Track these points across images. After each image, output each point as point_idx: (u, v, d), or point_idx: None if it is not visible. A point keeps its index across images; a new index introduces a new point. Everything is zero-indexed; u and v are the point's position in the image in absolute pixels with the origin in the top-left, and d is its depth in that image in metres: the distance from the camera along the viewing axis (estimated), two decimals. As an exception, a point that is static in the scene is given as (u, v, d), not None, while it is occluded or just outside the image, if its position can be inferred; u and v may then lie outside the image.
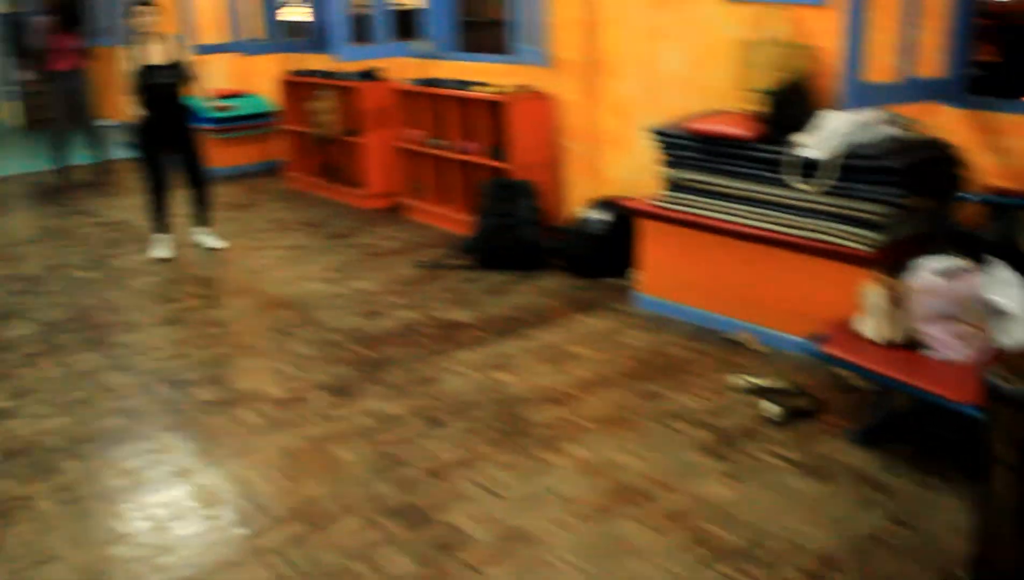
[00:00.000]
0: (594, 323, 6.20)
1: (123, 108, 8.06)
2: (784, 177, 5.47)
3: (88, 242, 8.93)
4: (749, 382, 5.13)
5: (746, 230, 5.68)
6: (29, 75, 17.19)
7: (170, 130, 8.02)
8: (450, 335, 6.15)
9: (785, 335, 5.61)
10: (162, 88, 7.87)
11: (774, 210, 5.58)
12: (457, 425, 4.91)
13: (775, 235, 5.53)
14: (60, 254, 8.59)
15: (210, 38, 11.21)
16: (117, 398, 5.52)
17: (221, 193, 9.86)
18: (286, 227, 9.13)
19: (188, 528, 4.16)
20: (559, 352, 5.77)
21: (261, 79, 11.72)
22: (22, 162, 13.67)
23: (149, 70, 7.83)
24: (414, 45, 9.14)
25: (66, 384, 5.77)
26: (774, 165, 5.54)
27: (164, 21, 8.05)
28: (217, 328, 6.61)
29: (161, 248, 8.22)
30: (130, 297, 7.28)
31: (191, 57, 8.13)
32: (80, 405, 5.47)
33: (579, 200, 7.64)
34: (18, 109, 17.43)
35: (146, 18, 7.82)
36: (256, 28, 11.03)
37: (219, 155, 11.08)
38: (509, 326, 6.23)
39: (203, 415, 5.24)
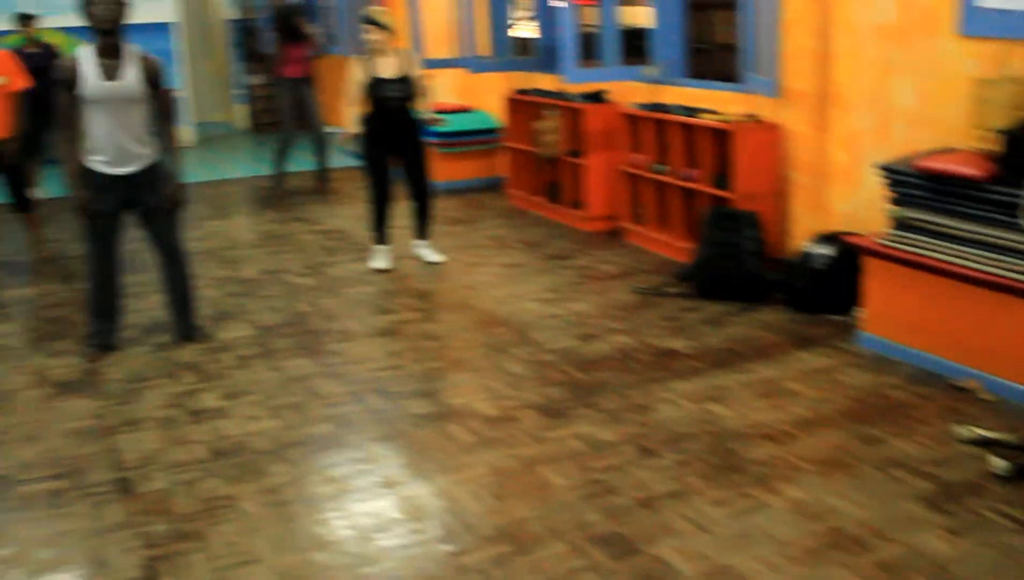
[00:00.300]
0: (814, 360, 6.10)
1: (350, 118, 8.30)
2: (1019, 221, 5.29)
3: (306, 249, 9.27)
4: (975, 433, 4.97)
5: (977, 275, 5.50)
6: (257, 79, 17.95)
7: (398, 142, 8.25)
8: (665, 363, 6.13)
9: (1015, 385, 5.42)
10: (391, 101, 8.10)
11: (1007, 255, 5.40)
12: (669, 456, 4.89)
13: (1007, 281, 5.35)
14: (278, 259, 8.93)
15: (438, 53, 11.49)
16: (328, 405, 5.70)
17: (442, 207, 10.09)
18: (505, 245, 9.26)
19: (392, 540, 4.25)
20: (776, 388, 5.70)
21: (487, 95, 11.93)
22: (247, 165, 14.24)
23: (379, 83, 8.06)
24: (643, 70, 9.17)
25: (278, 388, 5.99)
26: (1008, 208, 5.36)
27: (395, 36, 8.27)
28: (431, 342, 6.76)
29: (379, 259, 8.44)
30: (345, 306, 7.52)
31: (421, 72, 8.33)
32: (291, 410, 5.66)
33: (803, 233, 7.54)
34: (245, 112, 18.14)
35: (377, 35, 8.06)
36: (484, 44, 11.24)
37: (442, 169, 11.35)
38: (726, 358, 6.18)
39: (413, 428, 5.35)
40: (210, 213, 11.18)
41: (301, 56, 11.89)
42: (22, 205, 9.33)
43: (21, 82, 8.84)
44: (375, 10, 8.21)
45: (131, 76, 6.29)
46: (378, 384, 5.96)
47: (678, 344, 6.44)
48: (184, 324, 6.85)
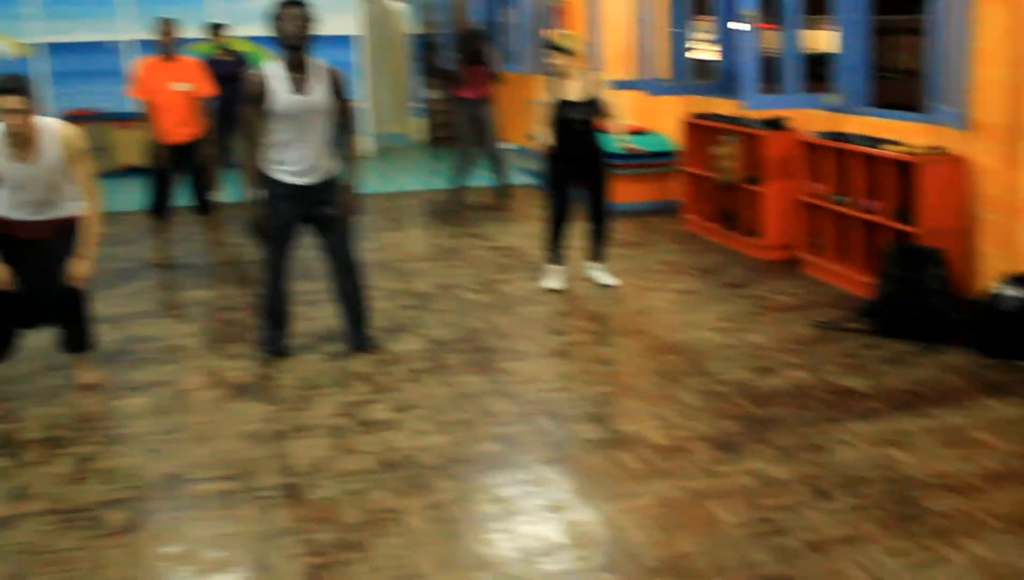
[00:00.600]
0: (1005, 409, 5.83)
1: (532, 137, 8.30)
2: None
3: (479, 265, 9.30)
4: None
5: None
6: (435, 94, 18.14)
7: (580, 164, 8.22)
8: (843, 402, 5.94)
9: None
10: (576, 123, 8.07)
11: None
12: (845, 499, 4.73)
13: None
14: (451, 274, 8.97)
15: (617, 74, 11.44)
16: (497, 424, 5.68)
17: (617, 229, 9.95)
18: (679, 270, 9.13)
19: (556, 565, 4.20)
20: (963, 436, 5.45)
21: (665, 118, 11.84)
22: (422, 178, 14.38)
23: (565, 105, 8.04)
24: (824, 98, 8.97)
25: (449, 403, 6.00)
26: None
27: (579, 59, 8.22)
28: (603, 366, 6.69)
29: (554, 279, 8.41)
30: (518, 324, 7.50)
31: (608, 94, 8.27)
32: (461, 426, 5.66)
33: (991, 273, 7.26)
34: (423, 126, 18.35)
35: (560, 59, 8.04)
36: (663, 66, 11.16)
37: (617, 190, 11.25)
38: (908, 400, 5.96)
39: (582, 452, 5.29)
40: (385, 225, 11.31)
41: (481, 78, 11.96)
42: (203, 208, 9.57)
43: (206, 89, 9.09)
44: (558, 34, 8.18)
45: (319, 90, 6.38)
46: (548, 406, 5.92)
47: (857, 383, 6.24)
48: (357, 334, 6.91)
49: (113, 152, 15.92)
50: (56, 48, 16.04)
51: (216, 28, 12.59)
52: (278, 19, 6.30)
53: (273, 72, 6.36)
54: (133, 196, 14.02)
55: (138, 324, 7.85)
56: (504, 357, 6.80)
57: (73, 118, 15.46)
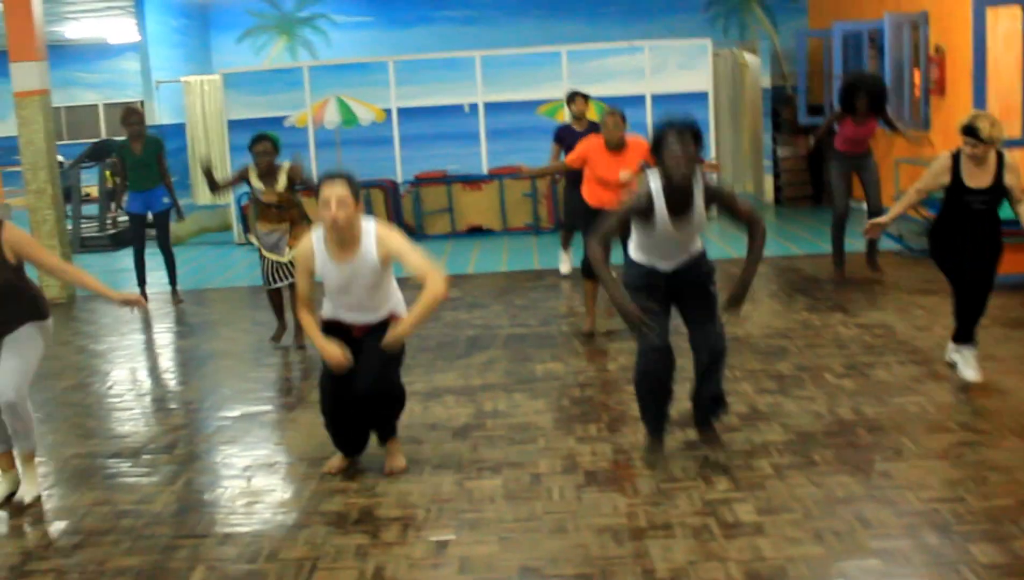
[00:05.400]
0: None
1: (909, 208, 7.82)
2: None
3: (845, 344, 8.81)
4: None
5: None
6: (787, 151, 17.73)
7: (972, 239, 7.54)
8: None
9: None
10: (976, 207, 7.43)
11: None
12: None
13: None
14: (814, 354, 8.54)
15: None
16: (876, 536, 5.28)
17: (996, 305, 9.01)
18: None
19: None
20: None
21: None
22: (775, 242, 14.03)
23: (964, 190, 7.41)
24: None
25: (819, 507, 5.64)
26: None
27: (996, 145, 7.33)
28: (996, 474, 6.02)
29: (967, 367, 7.73)
30: (893, 417, 7.00)
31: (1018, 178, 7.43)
32: (833, 536, 5.30)
33: None
34: (771, 184, 17.98)
35: (976, 148, 7.24)
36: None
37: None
38: None
39: (977, 578, 4.82)
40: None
41: (860, 134, 11.26)
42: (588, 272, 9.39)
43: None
44: (978, 117, 7.34)
45: (698, 208, 6.12)
46: (935, 518, 5.44)
47: None
48: (711, 430, 6.58)
49: (461, 213, 16.39)
50: (405, 112, 16.69)
51: (574, 95, 12.31)
52: (662, 150, 5.97)
53: (657, 190, 6.07)
54: (483, 257, 14.40)
55: (487, 397, 7.89)
56: (880, 455, 6.35)
57: (421, 181, 16.21)
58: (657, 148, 6.00)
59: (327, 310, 6.40)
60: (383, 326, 6.31)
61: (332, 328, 6.39)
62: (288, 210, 9.50)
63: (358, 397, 6.29)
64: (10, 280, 6.24)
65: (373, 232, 6.13)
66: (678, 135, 5.94)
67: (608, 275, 6.12)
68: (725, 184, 5.54)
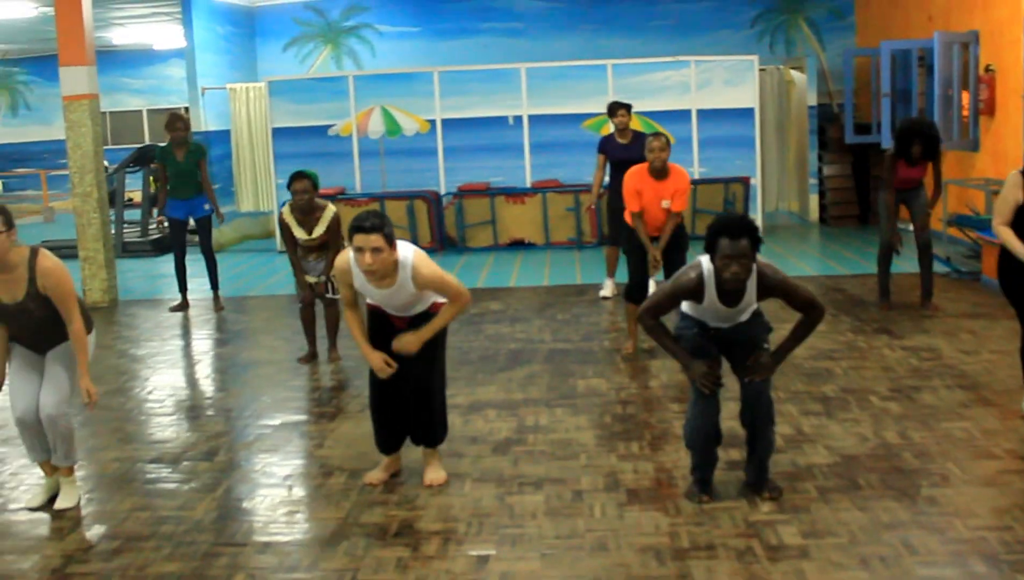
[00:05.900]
0: None
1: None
2: None
3: (891, 367, 8.72)
4: None
5: None
6: (832, 169, 17.60)
7: None
8: None
9: None
10: None
11: None
12: None
13: None
14: (859, 377, 8.46)
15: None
16: (923, 563, 5.21)
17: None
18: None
19: None
20: None
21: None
22: (817, 261, 13.96)
23: None
24: None
25: (865, 533, 5.58)
26: None
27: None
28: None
29: None
30: (940, 442, 6.92)
31: None
32: (880, 562, 5.24)
33: None
34: (816, 203, 17.85)
35: None
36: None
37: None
38: None
39: (1030, 611, 4.77)
40: (784, 313, 10.78)
41: (912, 175, 10.86)
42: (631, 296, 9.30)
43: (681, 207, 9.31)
44: None
45: (748, 301, 6.05)
46: (983, 546, 5.36)
47: None
48: (758, 475, 6.41)
49: (503, 226, 16.38)
50: (449, 123, 16.74)
51: (616, 107, 12.09)
52: (715, 252, 5.81)
53: (709, 275, 5.94)
54: (525, 270, 14.42)
55: (529, 412, 7.87)
56: (926, 481, 6.28)
57: (464, 193, 16.24)
58: (711, 249, 5.85)
59: (371, 297, 6.45)
60: (425, 316, 6.35)
61: (376, 316, 6.48)
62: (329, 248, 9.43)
63: (399, 393, 6.43)
64: (49, 316, 6.24)
65: (410, 265, 6.12)
66: (731, 239, 5.74)
67: (667, 341, 6.09)
68: (779, 273, 5.29)
